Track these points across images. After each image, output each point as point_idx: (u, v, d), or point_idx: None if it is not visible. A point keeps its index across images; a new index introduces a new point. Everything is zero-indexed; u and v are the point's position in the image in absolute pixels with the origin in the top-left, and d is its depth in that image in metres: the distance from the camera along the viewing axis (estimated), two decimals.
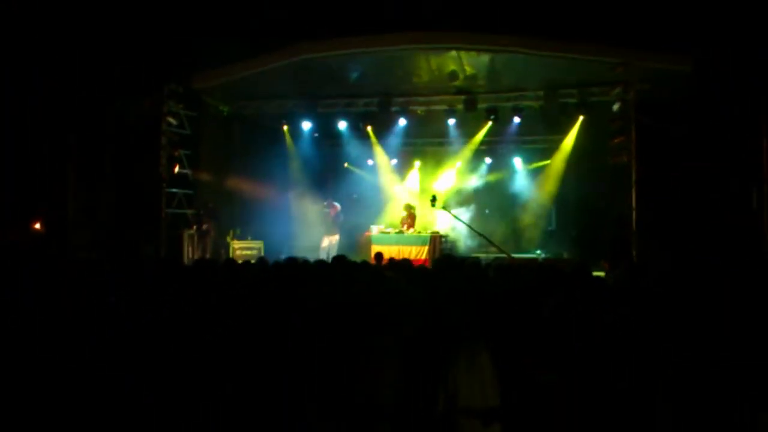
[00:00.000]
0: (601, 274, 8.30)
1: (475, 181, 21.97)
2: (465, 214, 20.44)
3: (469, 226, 17.06)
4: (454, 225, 19.11)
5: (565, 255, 18.20)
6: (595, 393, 4.03)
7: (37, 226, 15.54)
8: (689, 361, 4.06)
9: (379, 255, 9.25)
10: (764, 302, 4.66)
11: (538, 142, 20.90)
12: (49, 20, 14.92)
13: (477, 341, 3.68)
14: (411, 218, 18.26)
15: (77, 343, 4.36)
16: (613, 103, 15.41)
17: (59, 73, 15.22)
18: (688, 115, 13.62)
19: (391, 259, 8.95)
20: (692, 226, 13.50)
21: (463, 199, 21.72)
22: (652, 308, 4.71)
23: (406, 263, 7.21)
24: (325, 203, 18.22)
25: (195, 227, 16.79)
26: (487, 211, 21.70)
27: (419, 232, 17.75)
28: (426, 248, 16.83)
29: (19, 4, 14.46)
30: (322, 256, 16.54)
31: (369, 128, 19.62)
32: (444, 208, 16.77)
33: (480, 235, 16.31)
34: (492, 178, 21.93)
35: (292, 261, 6.33)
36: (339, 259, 6.58)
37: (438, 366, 3.64)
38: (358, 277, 5.73)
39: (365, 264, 7.07)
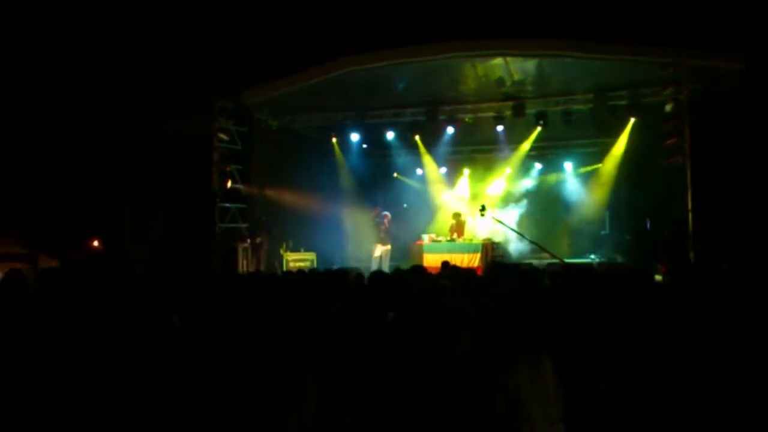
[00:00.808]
0: (659, 277, 8.16)
1: (525, 186, 21.82)
2: (515, 219, 20.33)
3: (519, 232, 16.94)
4: (505, 231, 18.99)
5: (619, 259, 17.96)
6: (654, 402, 3.97)
7: (96, 243, 15.87)
8: (748, 368, 3.97)
9: (446, 264, 9.15)
10: None
11: (589, 146, 20.67)
12: (101, 42, 15.26)
13: (538, 350, 3.65)
14: (459, 226, 18.21)
15: (144, 359, 4.43)
16: (665, 104, 15.15)
17: (113, 95, 15.56)
18: (743, 115, 13.34)
19: (445, 264, 8.87)
20: (750, 228, 13.21)
21: (514, 205, 21.59)
22: (711, 314, 4.63)
23: (461, 271, 7.18)
24: (375, 213, 18.25)
25: (249, 241, 16.95)
26: (538, 217, 21.53)
27: (471, 240, 17.68)
28: (478, 255, 16.75)
29: (72, 24, 14.81)
30: (375, 265, 16.58)
31: (417, 137, 19.62)
32: (494, 217, 16.71)
33: (531, 241, 16.19)
34: (542, 182, 21.74)
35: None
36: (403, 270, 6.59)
37: (497, 373, 3.62)
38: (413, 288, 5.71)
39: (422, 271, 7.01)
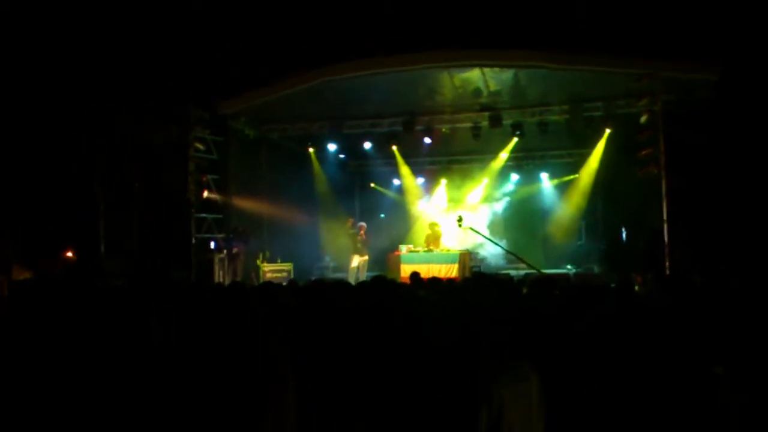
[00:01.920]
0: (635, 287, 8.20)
1: (502, 197, 21.91)
2: (492, 230, 20.41)
3: (496, 243, 17.01)
4: (482, 242, 19.04)
5: (596, 269, 18.06)
6: (635, 408, 3.98)
7: (69, 254, 15.70)
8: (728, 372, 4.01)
9: (414, 275, 9.14)
10: None
11: (565, 157, 20.80)
12: (72, 48, 15.14)
13: (523, 363, 3.63)
14: (436, 236, 18.21)
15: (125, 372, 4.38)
16: (640, 115, 15.29)
17: (86, 102, 15.43)
18: (718, 124, 13.47)
19: (414, 275, 8.78)
20: (725, 237, 13.33)
21: (490, 215, 21.69)
22: (686, 322, 4.66)
23: (437, 282, 7.16)
24: (351, 223, 18.23)
25: (225, 251, 16.84)
26: (514, 227, 21.62)
27: (448, 250, 17.69)
28: (456, 266, 16.76)
29: (41, 29, 14.69)
30: (352, 276, 16.57)
31: (394, 148, 19.65)
32: (471, 227, 16.74)
33: (509, 252, 16.24)
34: (519, 193, 21.82)
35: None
36: (376, 280, 6.55)
37: (481, 384, 3.60)
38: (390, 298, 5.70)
39: (397, 284, 7.02)
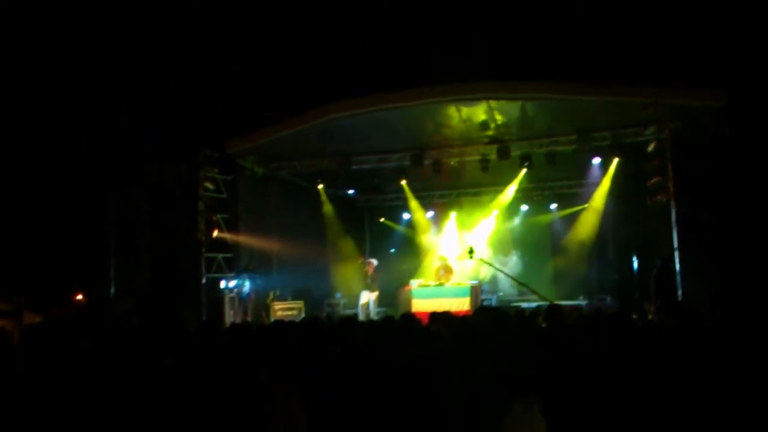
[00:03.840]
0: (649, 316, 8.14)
1: (512, 228, 21.87)
2: (504, 262, 20.34)
3: (508, 274, 16.93)
4: (494, 274, 18.97)
5: (608, 300, 17.91)
6: None
7: (79, 297, 15.71)
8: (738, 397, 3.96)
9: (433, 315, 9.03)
10: None
11: (574, 187, 20.74)
12: (82, 88, 15.29)
13: (529, 397, 3.60)
14: (446, 269, 18.09)
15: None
16: (648, 143, 15.28)
17: (97, 143, 15.55)
18: (725, 151, 13.44)
19: (433, 315, 8.78)
20: (737, 264, 13.22)
21: (502, 247, 21.64)
22: (696, 349, 4.61)
23: (449, 317, 7.12)
24: (362, 260, 18.19)
25: (235, 290, 16.80)
26: (526, 259, 21.56)
27: (459, 284, 17.56)
28: (468, 300, 16.61)
29: (55, 66, 14.85)
30: (363, 312, 16.48)
31: (403, 182, 19.66)
32: (482, 259, 16.69)
33: (520, 283, 16.15)
34: (529, 224, 21.77)
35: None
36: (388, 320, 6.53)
37: (488, 419, 3.57)
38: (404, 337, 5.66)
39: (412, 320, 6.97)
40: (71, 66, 15.13)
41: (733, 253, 13.34)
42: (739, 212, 13.36)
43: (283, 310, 17.47)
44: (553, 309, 6.95)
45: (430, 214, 22.46)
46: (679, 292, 14.03)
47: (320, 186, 19.92)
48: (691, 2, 14.18)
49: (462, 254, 18.67)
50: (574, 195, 20.75)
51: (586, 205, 19.95)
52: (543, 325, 6.36)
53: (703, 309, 7.03)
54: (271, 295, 17.79)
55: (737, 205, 13.40)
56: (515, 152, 17.04)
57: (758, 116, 13.24)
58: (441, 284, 17.57)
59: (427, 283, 17.85)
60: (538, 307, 10.92)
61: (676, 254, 14.23)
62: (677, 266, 14.19)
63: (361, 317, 15.61)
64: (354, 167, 18.24)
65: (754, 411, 3.90)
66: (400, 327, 6.14)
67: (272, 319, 16.66)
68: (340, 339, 5.73)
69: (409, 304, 16.88)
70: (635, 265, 18.13)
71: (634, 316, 6.41)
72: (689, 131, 14.38)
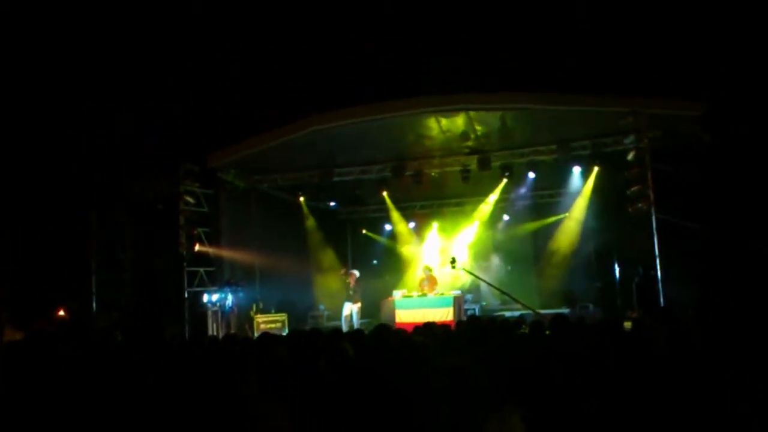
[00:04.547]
0: (628, 324, 8.18)
1: (494, 238, 21.93)
2: (486, 268, 20.40)
3: (490, 284, 16.96)
4: (477, 283, 19.00)
5: (591, 308, 17.99)
6: None
7: (62, 312, 15.59)
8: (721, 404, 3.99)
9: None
10: None
11: (555, 196, 20.84)
12: (63, 104, 15.22)
13: (507, 405, 3.62)
14: (430, 280, 18.12)
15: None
16: (628, 152, 15.41)
17: (77, 159, 15.47)
18: (704, 159, 13.57)
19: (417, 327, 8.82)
20: (717, 270, 13.34)
21: (484, 256, 21.69)
22: (682, 361, 4.65)
23: (433, 327, 7.13)
24: (343, 271, 18.17)
25: (218, 304, 16.74)
26: (509, 268, 21.62)
27: (442, 294, 17.58)
28: (451, 310, 16.64)
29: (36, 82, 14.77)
30: (346, 324, 16.45)
31: (385, 194, 19.70)
32: (464, 268, 16.71)
33: (503, 293, 16.17)
34: (511, 234, 21.83)
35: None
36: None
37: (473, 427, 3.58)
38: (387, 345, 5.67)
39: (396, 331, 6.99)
40: (51, 78, 15.05)
41: (714, 259, 13.46)
42: (720, 219, 13.47)
43: (267, 323, 17.41)
44: (535, 320, 6.98)
45: (412, 225, 22.50)
46: (661, 300, 14.13)
47: (302, 198, 19.91)
48: (670, 12, 14.30)
49: (444, 264, 18.71)
50: (555, 204, 20.83)
51: (567, 214, 20.05)
52: (525, 332, 6.39)
53: (686, 316, 7.08)
54: (254, 308, 17.73)
55: (717, 213, 13.51)
56: (496, 162, 17.10)
57: (739, 124, 13.38)
58: (424, 295, 17.59)
59: (410, 294, 17.86)
60: (521, 316, 10.98)
61: (657, 262, 14.34)
62: (659, 274, 14.30)
63: (345, 329, 15.58)
64: (335, 179, 18.25)
65: (740, 416, 3.93)
66: (382, 337, 6.15)
67: (256, 332, 16.62)
68: (326, 351, 5.72)
69: (392, 314, 16.90)
70: (617, 273, 18.24)
71: (627, 324, 6.44)
72: (669, 140, 14.51)
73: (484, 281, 16.80)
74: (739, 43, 13.35)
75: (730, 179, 13.43)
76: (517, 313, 14.85)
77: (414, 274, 20.34)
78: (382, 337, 6.09)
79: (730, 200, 13.37)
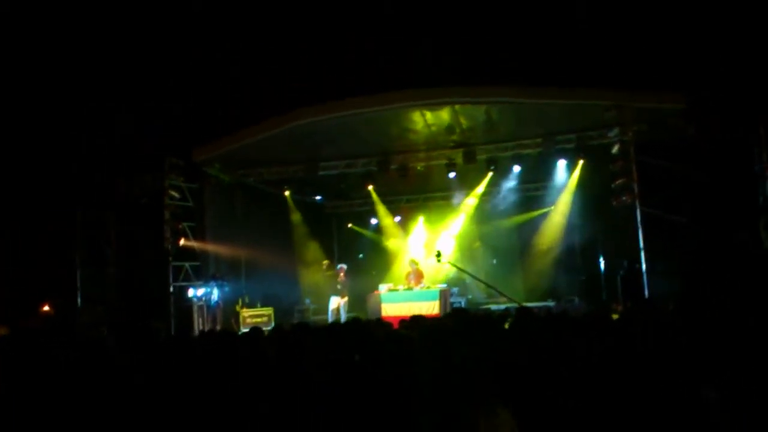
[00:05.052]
0: (615, 316, 8.21)
1: (480, 231, 21.95)
2: (472, 257, 20.44)
3: (476, 277, 17.00)
4: (464, 277, 19.04)
5: (576, 301, 18.07)
6: None
7: (46, 308, 15.52)
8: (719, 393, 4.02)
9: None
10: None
11: (541, 189, 20.88)
12: (49, 98, 15.13)
13: (495, 400, 3.62)
14: (416, 273, 18.14)
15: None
16: (612, 145, 15.47)
17: (62, 156, 15.38)
18: (688, 152, 13.63)
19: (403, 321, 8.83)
20: (700, 262, 13.42)
21: (470, 250, 21.72)
22: (664, 345, 4.68)
23: (418, 320, 7.13)
24: (327, 266, 18.14)
25: (204, 299, 16.70)
26: (494, 261, 21.66)
27: (428, 287, 17.61)
28: (437, 303, 16.66)
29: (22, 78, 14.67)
30: (331, 318, 16.44)
31: (370, 187, 19.71)
32: (450, 262, 16.75)
33: (489, 286, 16.21)
34: (497, 227, 21.85)
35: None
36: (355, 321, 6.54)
37: (456, 422, 3.58)
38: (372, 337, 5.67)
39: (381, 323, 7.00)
40: (34, 75, 14.95)
41: (699, 252, 13.54)
42: (704, 212, 13.55)
43: (253, 317, 17.40)
44: (521, 312, 7.00)
45: (398, 218, 22.51)
46: (646, 292, 14.22)
47: (287, 192, 19.88)
48: (655, 6, 14.34)
49: (429, 256, 18.77)
50: (541, 197, 20.88)
51: (552, 207, 20.12)
52: (508, 326, 6.40)
53: (670, 308, 7.14)
54: (240, 303, 17.71)
55: (702, 206, 13.59)
56: (481, 156, 17.13)
57: (723, 117, 13.45)
58: (410, 288, 17.62)
59: (396, 288, 17.88)
60: (507, 309, 11.03)
61: (642, 255, 14.42)
62: (643, 266, 14.38)
63: (331, 321, 15.58)
64: (321, 173, 18.23)
65: (724, 411, 3.96)
66: (367, 330, 6.16)
67: (242, 327, 16.61)
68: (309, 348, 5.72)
69: (378, 308, 16.91)
70: (602, 266, 18.32)
71: (615, 316, 6.47)
72: (654, 133, 14.57)
73: (470, 275, 16.84)
74: (724, 37, 13.39)
75: (714, 172, 13.50)
76: (503, 306, 14.91)
77: (400, 268, 20.35)
78: (361, 330, 6.10)
79: (715, 193, 13.44)
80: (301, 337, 6.14)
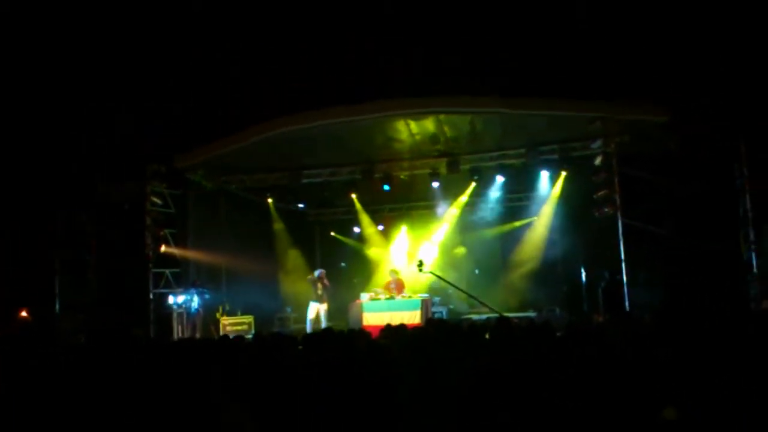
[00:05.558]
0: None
1: (463, 240, 21.97)
2: (454, 274, 20.42)
3: (458, 287, 16.97)
4: (445, 287, 19.02)
5: (558, 311, 18.10)
6: None
7: (24, 314, 15.36)
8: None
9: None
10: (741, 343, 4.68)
11: (524, 200, 20.93)
12: (29, 104, 15.02)
13: (475, 407, 3.61)
14: (397, 283, 18.06)
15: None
16: (595, 157, 15.54)
17: (42, 161, 15.26)
18: (671, 164, 13.71)
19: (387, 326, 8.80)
20: (681, 273, 13.48)
21: (452, 260, 21.71)
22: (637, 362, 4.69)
23: (400, 330, 7.12)
24: (311, 277, 17.89)
25: (184, 306, 16.59)
26: (476, 271, 21.68)
27: (410, 297, 17.56)
28: (418, 312, 16.62)
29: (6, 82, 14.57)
30: (310, 327, 16.21)
31: (353, 196, 19.67)
32: (432, 271, 16.73)
33: (470, 296, 16.18)
34: (479, 236, 21.87)
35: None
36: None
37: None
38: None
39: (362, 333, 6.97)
40: (16, 77, 14.84)
41: (679, 264, 13.60)
42: (685, 224, 13.63)
43: (233, 325, 17.30)
44: (502, 323, 7.00)
45: (381, 227, 22.48)
46: (627, 304, 14.27)
47: (270, 200, 19.80)
48: (640, 18, 14.43)
49: (411, 265, 18.73)
50: (524, 208, 20.92)
51: (535, 218, 20.17)
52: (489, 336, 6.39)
53: (650, 319, 7.19)
54: (221, 310, 17.61)
55: (683, 217, 13.67)
56: (465, 166, 17.15)
57: (705, 130, 13.53)
58: (392, 297, 17.56)
59: (378, 297, 17.81)
60: (488, 319, 11.01)
61: (623, 266, 14.47)
62: (624, 278, 14.43)
63: (310, 331, 15.45)
64: (304, 181, 18.17)
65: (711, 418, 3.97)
66: (349, 341, 6.14)
67: (221, 334, 16.47)
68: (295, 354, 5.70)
69: (360, 317, 16.84)
70: (583, 277, 18.36)
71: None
72: (637, 145, 14.64)
73: (451, 284, 16.80)
74: (708, 52, 13.50)
75: (696, 184, 13.57)
76: (484, 317, 14.90)
77: (381, 277, 20.29)
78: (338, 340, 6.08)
79: (696, 205, 13.51)
80: (280, 344, 6.11)
